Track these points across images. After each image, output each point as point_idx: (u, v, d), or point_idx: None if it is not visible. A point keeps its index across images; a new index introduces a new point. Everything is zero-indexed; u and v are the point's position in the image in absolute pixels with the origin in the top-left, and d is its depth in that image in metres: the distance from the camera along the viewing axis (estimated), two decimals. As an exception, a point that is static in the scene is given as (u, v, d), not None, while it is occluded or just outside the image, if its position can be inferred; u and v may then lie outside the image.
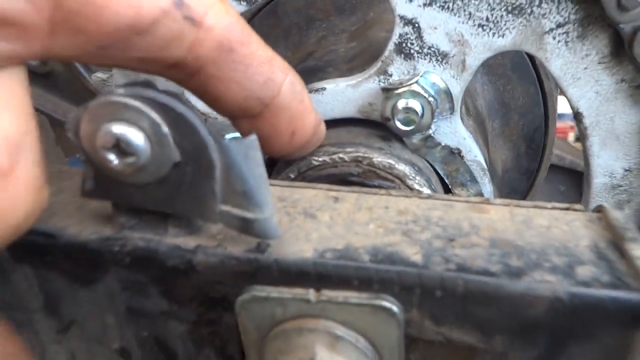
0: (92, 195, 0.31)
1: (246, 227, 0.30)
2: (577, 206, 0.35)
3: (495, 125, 0.60)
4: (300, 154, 0.39)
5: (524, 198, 0.66)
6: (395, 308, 0.29)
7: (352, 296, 0.30)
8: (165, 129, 0.28)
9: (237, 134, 0.41)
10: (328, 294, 0.30)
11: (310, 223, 0.33)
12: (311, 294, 0.30)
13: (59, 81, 0.81)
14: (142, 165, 0.28)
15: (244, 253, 0.31)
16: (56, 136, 0.91)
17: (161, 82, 0.29)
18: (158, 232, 0.32)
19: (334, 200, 0.36)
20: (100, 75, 0.48)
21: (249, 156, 0.29)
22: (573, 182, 0.74)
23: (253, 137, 0.29)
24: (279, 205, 0.35)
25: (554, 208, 0.35)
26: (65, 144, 0.94)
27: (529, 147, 0.62)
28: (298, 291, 0.30)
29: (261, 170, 0.29)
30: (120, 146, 0.28)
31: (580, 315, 0.27)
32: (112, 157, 0.28)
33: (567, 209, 0.35)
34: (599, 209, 0.34)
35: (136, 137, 0.28)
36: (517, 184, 0.64)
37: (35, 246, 0.34)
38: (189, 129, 0.28)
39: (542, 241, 0.32)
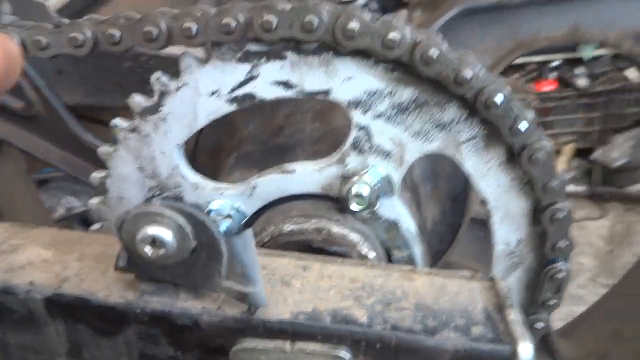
0: (123, 270, 0.41)
1: (242, 297, 0.41)
2: (477, 275, 0.49)
3: (427, 188, 0.74)
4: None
5: (449, 245, 0.81)
6: (347, 356, 0.41)
7: (317, 347, 0.42)
8: (188, 229, 0.38)
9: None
10: (300, 345, 0.42)
11: (286, 290, 0.45)
12: (287, 345, 0.42)
13: (42, 124, 0.87)
14: (167, 255, 0.39)
15: (238, 314, 0.42)
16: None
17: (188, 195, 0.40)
18: (172, 296, 0.43)
19: (303, 268, 0.48)
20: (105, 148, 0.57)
21: (247, 247, 0.40)
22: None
23: (249, 232, 0.40)
24: (262, 272, 0.46)
25: (461, 277, 0.49)
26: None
27: (453, 206, 0.76)
28: (277, 343, 0.42)
29: (254, 256, 0.41)
30: (155, 242, 0.38)
31: (472, 362, 0.40)
32: (148, 249, 0.38)
33: (471, 277, 0.49)
34: (491, 279, 0.48)
35: (167, 235, 0.38)
36: (443, 235, 0.79)
37: (70, 306, 0.43)
38: (205, 229, 0.39)
39: (451, 305, 0.45)
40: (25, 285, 0.43)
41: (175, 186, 0.57)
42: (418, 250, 0.60)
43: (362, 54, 0.49)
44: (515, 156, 0.52)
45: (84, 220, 1.95)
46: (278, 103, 0.74)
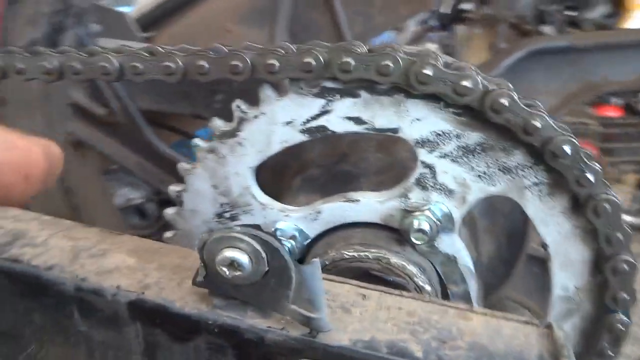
0: (201, 286, 0.45)
1: (307, 321, 0.44)
2: (534, 321, 0.50)
3: (485, 223, 0.75)
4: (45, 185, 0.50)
5: (503, 280, 0.81)
6: (406, 389, 0.43)
7: (375, 377, 0.44)
8: (263, 255, 0.42)
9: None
10: (359, 374, 0.44)
11: (346, 317, 0.47)
12: (344, 370, 0.44)
13: (121, 130, 0.94)
14: (242, 276, 0.42)
15: (301, 336, 0.45)
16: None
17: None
18: (241, 313, 0.46)
19: (363, 297, 0.50)
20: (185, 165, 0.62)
21: (314, 275, 0.43)
22: (545, 267, 0.89)
23: (317, 261, 0.43)
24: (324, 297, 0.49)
25: (518, 320, 0.49)
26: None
27: (509, 242, 0.76)
28: (335, 368, 0.44)
29: (321, 284, 0.43)
30: (233, 264, 0.42)
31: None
32: (226, 271, 0.42)
33: (526, 322, 0.49)
34: (549, 326, 0.49)
35: (244, 259, 0.42)
36: (498, 270, 0.79)
37: (150, 312, 0.47)
38: (279, 256, 0.42)
39: (505, 348, 0.46)
40: (113, 288, 0.48)
41: (245, 205, 0.61)
42: (473, 285, 0.61)
43: (432, 97, 0.51)
44: (579, 205, 0.53)
45: (141, 212, 2.07)
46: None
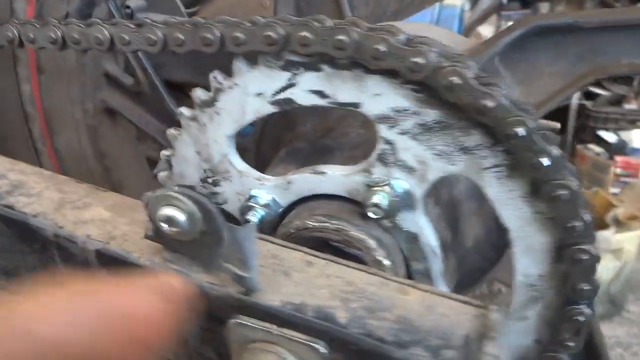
0: (151, 239, 0.50)
1: (238, 279, 0.47)
2: (475, 302, 0.49)
3: (472, 205, 0.73)
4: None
5: (492, 266, 0.79)
6: (323, 350, 0.46)
7: (298, 335, 0.46)
8: (198, 214, 0.45)
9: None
10: (283, 330, 0.47)
11: (284, 280, 0.50)
12: (273, 328, 0.47)
13: (146, 99, 1.01)
14: (181, 232, 0.46)
15: (237, 294, 0.48)
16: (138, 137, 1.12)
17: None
18: (187, 267, 0.50)
19: (308, 264, 0.52)
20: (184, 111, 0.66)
21: (248, 237, 0.46)
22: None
23: (252, 225, 0.46)
24: (271, 261, 0.52)
25: (457, 300, 0.50)
26: (143, 142, 1.15)
27: (499, 226, 0.74)
28: (265, 324, 0.47)
29: (254, 246, 0.46)
30: (171, 221, 0.45)
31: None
32: (165, 226, 0.46)
33: (467, 302, 0.49)
34: (484, 307, 0.48)
35: (180, 217, 0.45)
36: (487, 253, 0.77)
37: (113, 260, 0.53)
38: (211, 217, 0.45)
39: (433, 325, 0.47)
40: (83, 237, 0.54)
41: (225, 171, 0.65)
42: (437, 264, 0.61)
43: (391, 73, 0.51)
44: (540, 189, 0.51)
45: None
46: (334, 105, 0.78)
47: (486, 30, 3.37)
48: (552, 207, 0.50)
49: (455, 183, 0.71)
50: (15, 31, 0.64)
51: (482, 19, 3.48)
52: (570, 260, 0.52)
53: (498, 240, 0.77)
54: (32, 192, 0.60)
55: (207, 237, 0.47)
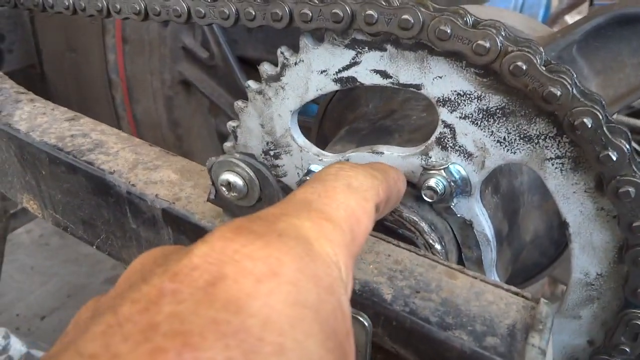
0: (213, 203, 0.53)
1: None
2: (526, 294, 0.49)
3: (534, 199, 0.71)
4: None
5: (551, 262, 0.77)
6: (366, 323, 0.47)
7: (342, 307, 0.48)
8: (256, 181, 0.48)
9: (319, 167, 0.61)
10: (329, 301, 0.48)
11: (333, 253, 0.51)
12: (319, 297, 0.49)
13: (219, 72, 1.05)
14: (240, 197, 0.49)
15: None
16: (210, 107, 1.18)
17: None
18: (243, 232, 0.53)
19: (358, 240, 0.53)
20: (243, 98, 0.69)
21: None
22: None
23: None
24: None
25: (507, 290, 0.49)
26: (215, 117, 1.20)
27: (561, 223, 0.72)
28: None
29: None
30: (230, 185, 0.48)
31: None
32: (224, 190, 0.49)
33: (517, 294, 0.49)
34: (537, 300, 0.47)
35: (239, 182, 0.48)
36: (546, 250, 0.75)
37: (177, 219, 0.56)
38: (268, 184, 0.47)
39: (479, 311, 0.46)
40: (152, 196, 0.58)
41: (286, 145, 0.67)
42: (490, 254, 0.60)
43: (454, 55, 0.51)
44: (604, 185, 0.49)
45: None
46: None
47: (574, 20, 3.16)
48: (617, 204, 0.48)
49: (518, 173, 0.69)
50: (104, 1, 0.69)
51: (571, 8, 3.27)
52: (633, 262, 0.50)
53: (559, 238, 0.74)
54: (110, 152, 0.65)
55: (263, 204, 0.49)
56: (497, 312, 0.47)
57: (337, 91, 0.84)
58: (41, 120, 0.70)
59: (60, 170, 0.65)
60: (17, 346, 1.53)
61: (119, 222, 0.64)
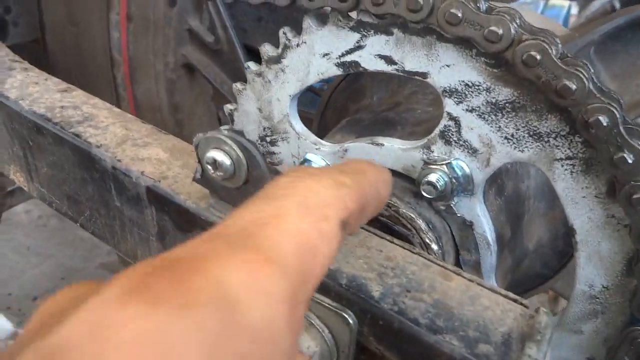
0: (199, 183, 0.50)
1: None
2: (525, 301, 0.45)
3: (541, 205, 0.68)
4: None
5: (555, 272, 0.73)
6: (351, 320, 0.44)
7: (327, 301, 0.45)
8: (243, 160, 0.45)
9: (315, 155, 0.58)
10: (314, 294, 0.45)
11: (322, 244, 0.48)
12: (303, 290, 0.46)
13: (224, 57, 1.03)
14: (226, 177, 0.46)
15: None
16: (213, 95, 1.15)
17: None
18: (227, 214, 0.50)
19: (352, 233, 0.50)
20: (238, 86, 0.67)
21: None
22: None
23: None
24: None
25: (505, 296, 0.46)
26: (218, 107, 1.18)
27: (567, 233, 0.68)
28: (296, 285, 0.46)
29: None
30: (216, 163, 0.45)
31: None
32: (210, 169, 0.46)
33: (515, 300, 0.45)
34: (537, 310, 0.44)
35: (226, 161, 0.45)
36: (549, 260, 0.71)
37: (161, 198, 0.54)
38: (256, 164, 0.45)
39: (472, 316, 0.43)
40: (138, 172, 0.56)
41: (284, 132, 0.64)
42: (489, 259, 0.57)
43: (464, 42, 0.48)
44: (615, 190, 0.46)
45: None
46: (406, 80, 0.75)
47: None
48: (630, 212, 0.44)
49: (525, 177, 0.65)
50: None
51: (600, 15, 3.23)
52: (639, 275, 0.46)
53: (564, 248, 0.70)
54: (100, 125, 0.62)
55: (251, 186, 0.46)
56: (493, 318, 0.43)
57: (341, 81, 0.81)
58: (32, 90, 0.68)
59: (47, 142, 0.63)
60: (4, 324, 1.51)
61: (103, 199, 0.61)
